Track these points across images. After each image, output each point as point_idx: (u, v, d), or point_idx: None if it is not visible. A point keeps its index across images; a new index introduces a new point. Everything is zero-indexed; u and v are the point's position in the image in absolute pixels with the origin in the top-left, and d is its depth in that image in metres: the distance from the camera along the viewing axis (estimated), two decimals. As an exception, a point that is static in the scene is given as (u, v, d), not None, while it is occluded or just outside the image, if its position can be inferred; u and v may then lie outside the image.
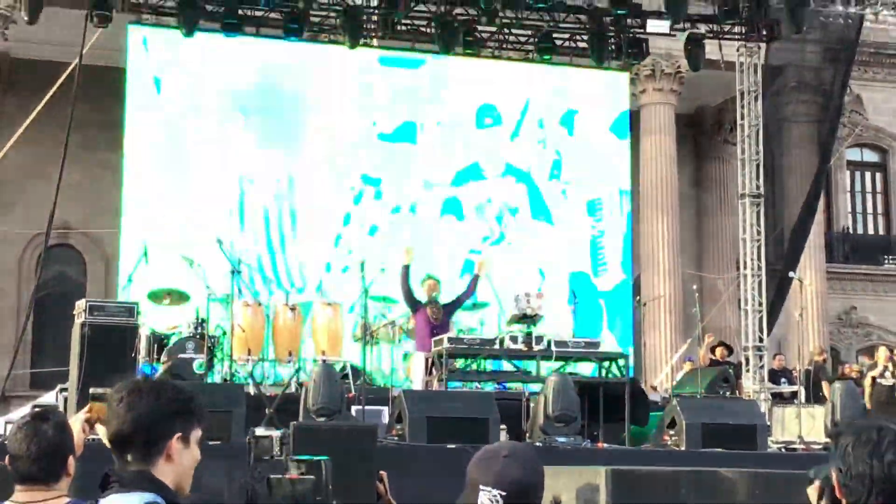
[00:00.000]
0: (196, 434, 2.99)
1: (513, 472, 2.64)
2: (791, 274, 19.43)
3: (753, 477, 8.58)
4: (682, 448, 11.34)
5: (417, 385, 13.36)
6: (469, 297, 14.75)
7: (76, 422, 3.78)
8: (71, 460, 3.64)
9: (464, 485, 2.75)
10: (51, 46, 19.80)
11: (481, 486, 2.64)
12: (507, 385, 14.27)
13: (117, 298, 16.86)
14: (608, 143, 21.51)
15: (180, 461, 2.93)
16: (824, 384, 18.14)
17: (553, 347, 12.81)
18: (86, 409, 3.91)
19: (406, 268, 13.92)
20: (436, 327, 13.47)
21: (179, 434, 2.92)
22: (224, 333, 13.90)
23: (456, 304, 14.30)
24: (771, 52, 19.69)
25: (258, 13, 17.27)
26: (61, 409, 10.81)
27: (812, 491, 4.17)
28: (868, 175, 28.34)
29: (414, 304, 13.88)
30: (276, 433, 4.52)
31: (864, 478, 2.67)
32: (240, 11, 17.03)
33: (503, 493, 2.62)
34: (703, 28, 18.14)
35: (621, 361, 13.35)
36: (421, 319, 13.76)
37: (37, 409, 3.91)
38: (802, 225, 20.25)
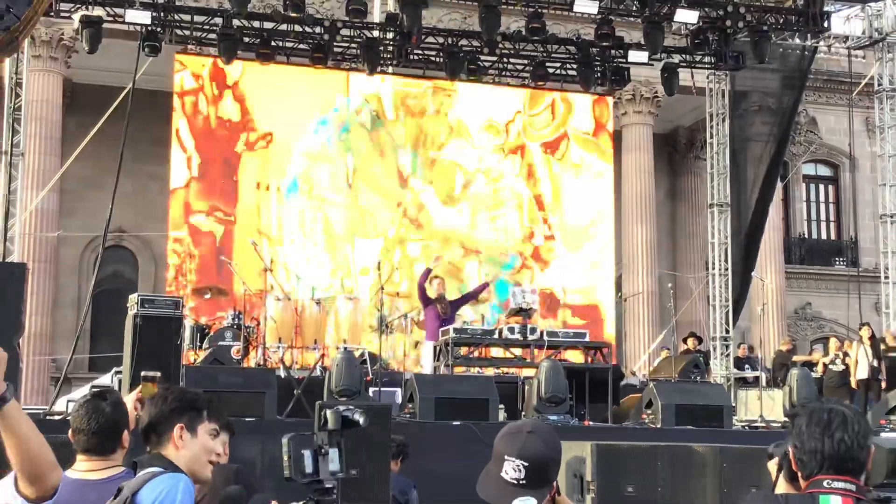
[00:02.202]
0: (205, 427, 3.26)
1: (535, 446, 2.65)
2: (753, 273, 19.38)
3: (720, 451, 8.58)
4: (658, 426, 11.32)
5: (427, 370, 13.36)
6: (475, 297, 14.81)
7: (129, 400, 3.79)
8: (126, 434, 3.63)
9: (485, 456, 2.76)
10: (107, 73, 19.80)
11: (506, 457, 2.65)
12: (505, 370, 14.26)
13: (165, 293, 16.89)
14: (594, 160, 21.53)
15: (186, 447, 3.18)
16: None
17: (545, 337, 12.80)
18: (137, 389, 3.93)
19: (429, 270, 14.10)
20: (444, 320, 13.48)
21: (181, 425, 3.19)
22: (258, 324, 13.92)
23: (462, 301, 14.32)
24: (737, 80, 19.64)
25: (288, 44, 17.28)
26: (116, 389, 10.81)
27: (772, 465, 4.19)
28: (822, 187, 28.32)
29: (426, 301, 13.91)
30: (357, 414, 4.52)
31: (816, 453, 2.67)
32: (272, 43, 17.04)
33: (525, 464, 2.63)
34: (677, 58, 18.14)
35: (605, 350, 13.34)
36: (431, 314, 13.78)
37: (96, 389, 3.90)
38: (755, 228, 20.10)
